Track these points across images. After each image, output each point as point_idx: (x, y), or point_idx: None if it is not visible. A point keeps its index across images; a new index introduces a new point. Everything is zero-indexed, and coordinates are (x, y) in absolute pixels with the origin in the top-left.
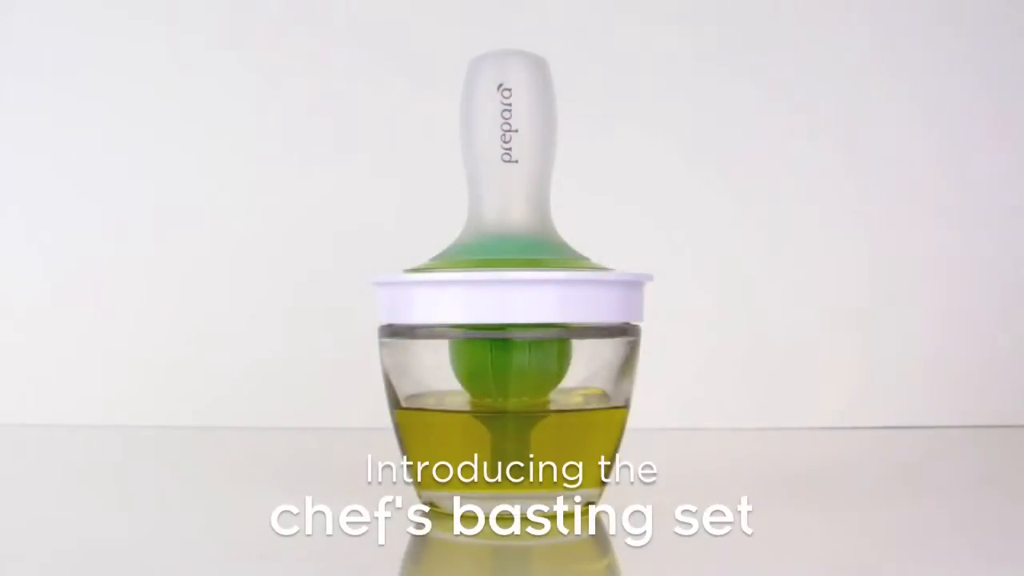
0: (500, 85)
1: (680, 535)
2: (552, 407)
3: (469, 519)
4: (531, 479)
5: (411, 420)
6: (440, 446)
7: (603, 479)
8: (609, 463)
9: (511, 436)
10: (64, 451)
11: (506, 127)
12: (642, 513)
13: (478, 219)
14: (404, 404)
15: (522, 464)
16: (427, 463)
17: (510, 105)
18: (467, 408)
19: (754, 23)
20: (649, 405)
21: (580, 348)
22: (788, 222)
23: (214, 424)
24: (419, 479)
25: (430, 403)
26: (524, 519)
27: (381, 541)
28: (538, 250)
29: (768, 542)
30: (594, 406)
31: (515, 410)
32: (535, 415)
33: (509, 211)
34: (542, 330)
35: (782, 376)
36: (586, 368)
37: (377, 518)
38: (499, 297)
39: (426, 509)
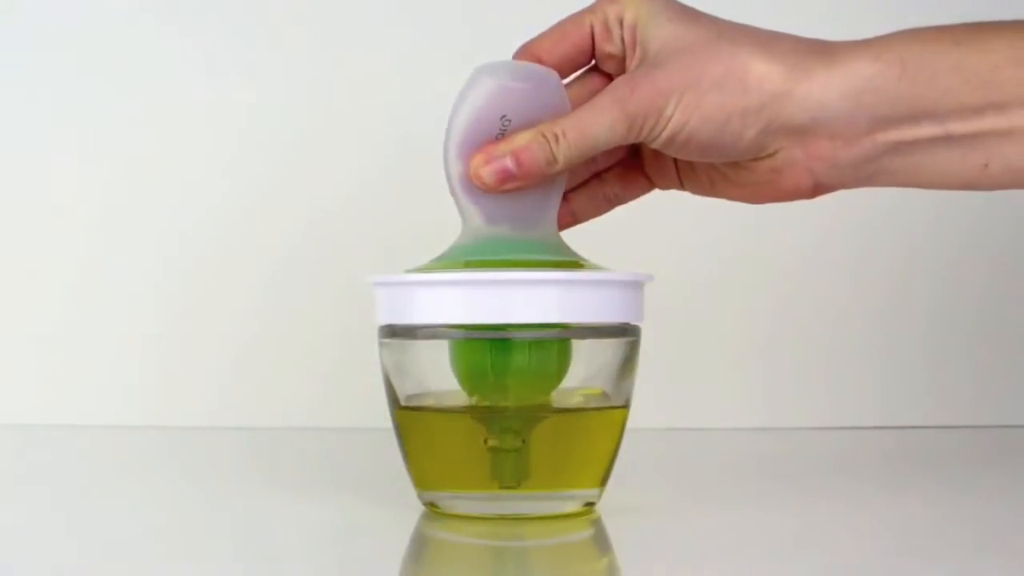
0: (503, 116)
1: (680, 535)
2: (552, 407)
3: (469, 519)
4: (531, 479)
5: (411, 420)
6: (440, 446)
7: (603, 479)
8: (609, 463)
9: (511, 437)
10: (64, 451)
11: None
12: (642, 513)
13: (477, 220)
14: (404, 404)
15: (522, 464)
16: (427, 463)
17: (505, 131)
18: (467, 408)
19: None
20: (649, 405)
21: (580, 348)
22: (788, 222)
23: (214, 424)
24: (419, 479)
25: (430, 403)
26: (524, 519)
27: (381, 541)
28: (538, 250)
29: (769, 542)
30: (594, 406)
31: (515, 410)
32: (535, 415)
33: (508, 212)
34: (542, 330)
35: (782, 376)
36: (586, 368)
37: (377, 518)
38: (499, 297)
39: (426, 509)
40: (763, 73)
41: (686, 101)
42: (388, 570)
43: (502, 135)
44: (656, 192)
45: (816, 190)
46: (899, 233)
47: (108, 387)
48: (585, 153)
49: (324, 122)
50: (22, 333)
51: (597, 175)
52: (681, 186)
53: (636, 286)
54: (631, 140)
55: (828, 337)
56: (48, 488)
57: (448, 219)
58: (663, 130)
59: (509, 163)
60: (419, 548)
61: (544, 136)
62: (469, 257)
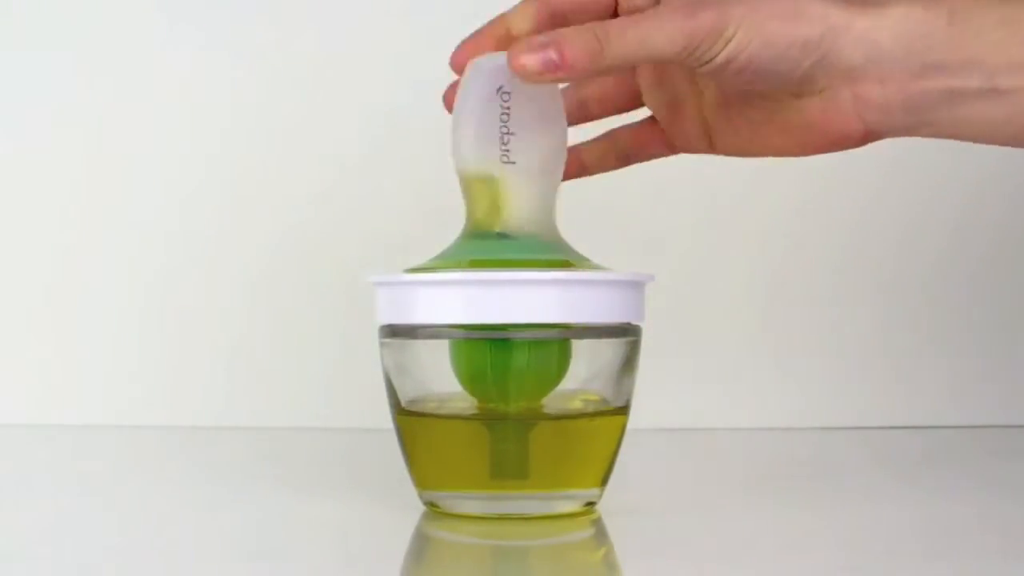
0: (499, 88)
1: (680, 536)
2: (552, 409)
3: (469, 519)
4: (531, 479)
5: (412, 423)
6: (441, 447)
7: (603, 479)
8: (609, 463)
9: (511, 438)
10: (64, 451)
11: (504, 130)
12: (642, 513)
13: (477, 219)
14: (405, 406)
15: (522, 466)
16: (428, 464)
17: (508, 109)
18: (468, 411)
19: None
20: (649, 405)
21: (580, 348)
22: (789, 221)
23: (213, 424)
24: (420, 479)
25: (431, 407)
26: (524, 519)
27: (381, 541)
28: (538, 250)
29: (768, 542)
30: (594, 407)
31: (516, 412)
32: (536, 416)
33: (508, 211)
34: (542, 330)
35: (782, 376)
36: (586, 369)
37: (377, 518)
38: (499, 297)
39: (426, 509)
40: (820, 9)
41: (747, 24)
42: (388, 570)
43: (506, 114)
44: (656, 190)
45: (866, 137)
46: (902, 233)
47: (108, 387)
48: (636, 59)
49: (325, 120)
50: (22, 333)
51: (610, 135)
52: (710, 146)
53: (637, 286)
54: (681, 59)
55: (829, 337)
56: (48, 488)
57: (448, 218)
58: (720, 52)
59: (552, 53)
60: (419, 548)
61: (594, 32)
62: (469, 256)
